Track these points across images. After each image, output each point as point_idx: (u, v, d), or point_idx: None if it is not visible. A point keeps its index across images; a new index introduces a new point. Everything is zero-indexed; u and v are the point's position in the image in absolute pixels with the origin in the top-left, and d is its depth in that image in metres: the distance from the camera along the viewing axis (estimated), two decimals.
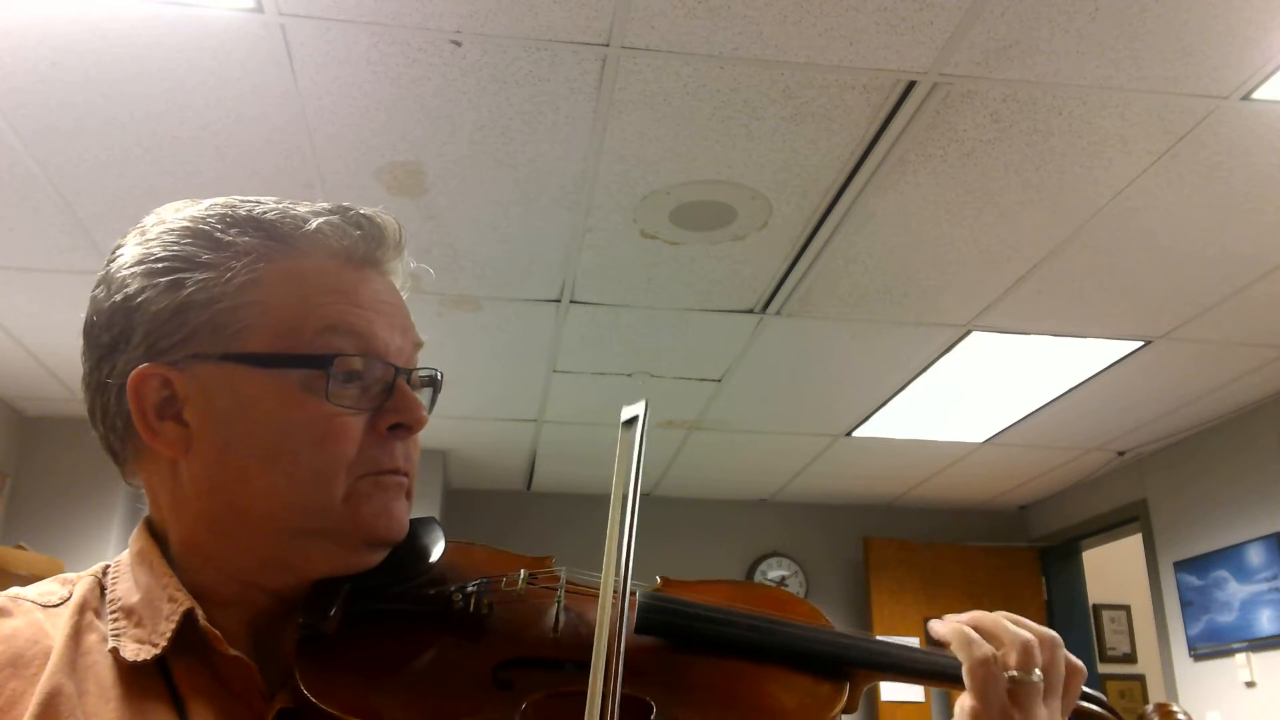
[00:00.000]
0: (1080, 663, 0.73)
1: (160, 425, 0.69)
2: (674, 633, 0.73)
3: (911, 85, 2.24)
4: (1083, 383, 3.99)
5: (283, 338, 0.69)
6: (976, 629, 0.71)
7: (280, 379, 0.69)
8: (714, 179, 2.61)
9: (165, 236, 0.71)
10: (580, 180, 2.62)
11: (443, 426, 4.59)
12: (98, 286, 0.73)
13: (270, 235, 0.71)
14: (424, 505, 5.09)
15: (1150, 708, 0.78)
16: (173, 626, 0.66)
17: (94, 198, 2.69)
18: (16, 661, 0.63)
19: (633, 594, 0.74)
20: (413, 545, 0.74)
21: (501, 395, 4.23)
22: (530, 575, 0.74)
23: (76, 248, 2.94)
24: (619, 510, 0.65)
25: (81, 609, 0.68)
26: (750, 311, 3.41)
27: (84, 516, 4.34)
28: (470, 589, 0.71)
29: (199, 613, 0.66)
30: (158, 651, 0.65)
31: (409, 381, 0.74)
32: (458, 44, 2.12)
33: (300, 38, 2.10)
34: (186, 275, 0.69)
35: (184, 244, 0.70)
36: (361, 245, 0.74)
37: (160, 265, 0.70)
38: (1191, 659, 4.57)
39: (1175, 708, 0.78)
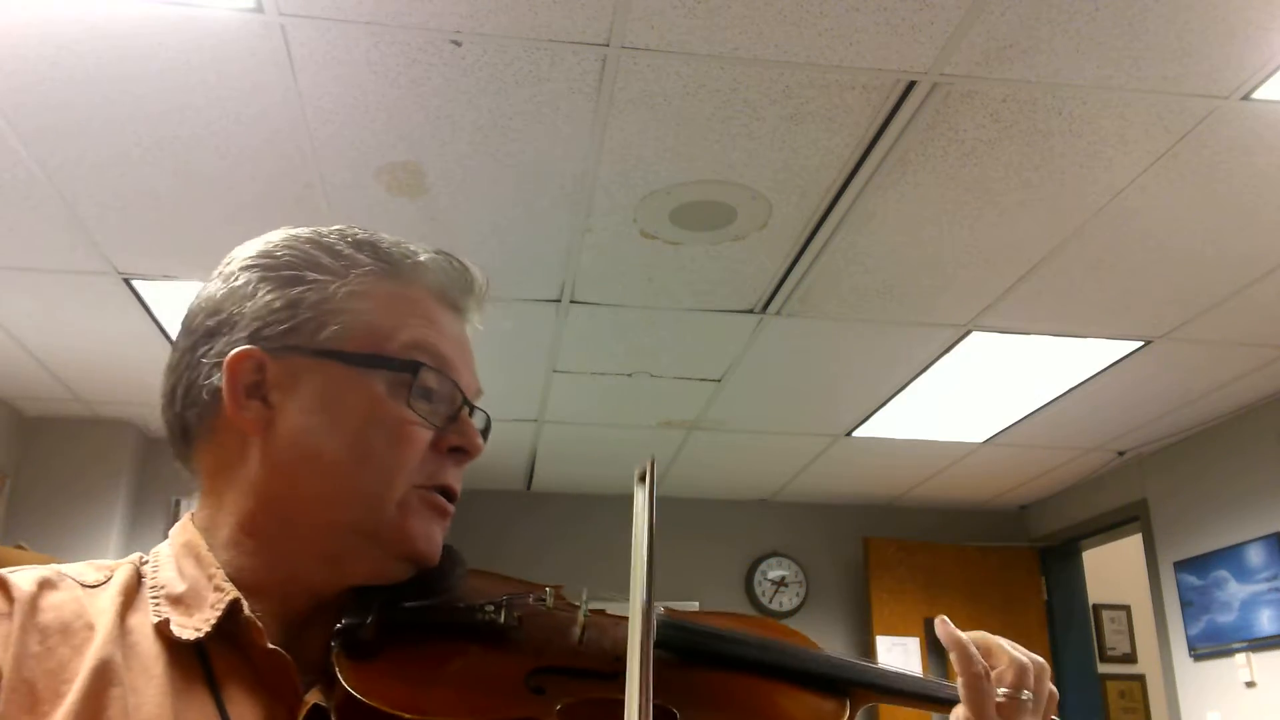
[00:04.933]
0: (1055, 690, 0.80)
1: (247, 402, 0.74)
2: (691, 650, 0.79)
3: (911, 85, 2.24)
4: (1083, 383, 3.99)
5: (375, 343, 0.75)
6: (977, 645, 0.79)
7: (367, 378, 0.75)
8: (714, 179, 2.61)
9: (292, 242, 0.79)
10: (580, 180, 2.62)
11: None
12: (209, 285, 0.79)
13: (381, 258, 0.79)
14: None
15: None
16: (218, 614, 0.69)
17: (94, 198, 2.69)
18: (65, 630, 0.66)
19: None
20: (440, 565, 0.79)
21: (501, 395, 4.23)
22: (555, 595, 0.81)
23: (76, 248, 2.94)
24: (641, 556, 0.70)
25: (124, 591, 0.71)
26: (750, 311, 3.41)
27: (84, 516, 4.34)
28: (500, 601, 0.77)
29: (244, 604, 0.69)
30: (200, 635, 0.68)
31: (471, 414, 0.80)
32: (458, 44, 2.12)
33: (300, 38, 2.11)
34: (307, 274, 0.76)
35: (307, 249, 0.78)
36: (455, 287, 0.82)
37: (284, 260, 0.77)
38: (1191, 659, 4.57)
39: None
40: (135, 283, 3.15)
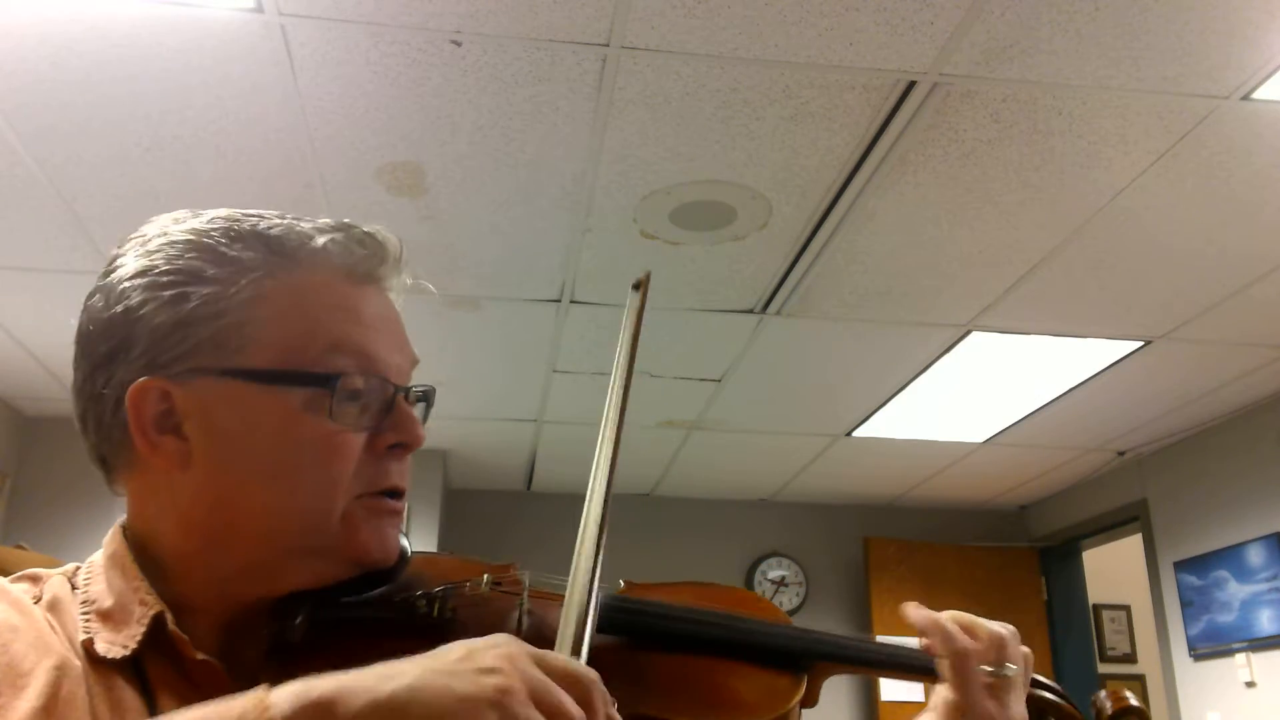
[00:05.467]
0: (1028, 650, 0.77)
1: (159, 439, 0.69)
2: (634, 631, 0.75)
3: (911, 85, 2.24)
4: (1083, 383, 3.99)
5: (286, 355, 0.69)
6: (957, 624, 0.76)
7: (283, 396, 0.69)
8: (714, 179, 2.61)
9: (169, 249, 0.71)
10: (580, 180, 2.62)
11: (443, 426, 4.59)
12: (94, 295, 0.72)
13: (274, 250, 0.72)
14: (424, 506, 5.10)
15: (1103, 693, 0.82)
16: (143, 629, 0.66)
17: (94, 198, 2.69)
18: (16, 628, 0.64)
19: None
20: None
21: (501, 395, 4.23)
22: (493, 580, 0.76)
23: (76, 248, 2.94)
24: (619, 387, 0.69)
25: (53, 606, 0.69)
26: (750, 311, 3.41)
27: (84, 516, 4.33)
28: (434, 593, 0.73)
29: (168, 617, 0.67)
30: (127, 653, 0.66)
31: (406, 398, 0.75)
32: (458, 44, 2.12)
33: (300, 38, 2.10)
34: (191, 289, 0.69)
35: (188, 258, 0.70)
36: (364, 263, 0.74)
37: (165, 279, 0.70)
38: (1191, 659, 4.57)
39: (1126, 693, 0.82)
40: None
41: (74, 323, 0.74)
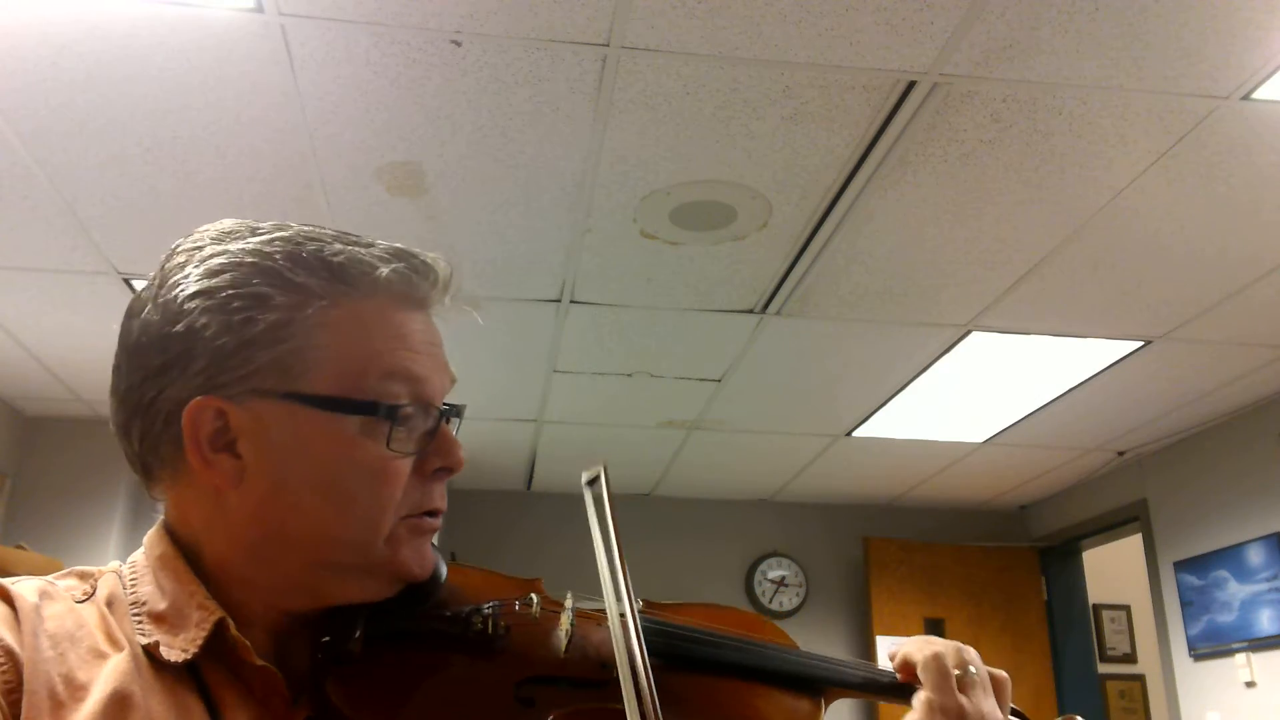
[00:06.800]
0: (1003, 673, 0.84)
1: (214, 456, 0.70)
2: (669, 654, 0.78)
3: (911, 85, 2.24)
4: (1083, 383, 3.99)
5: (345, 381, 0.71)
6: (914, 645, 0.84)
7: (340, 422, 0.70)
8: (714, 179, 2.61)
9: (235, 272, 0.71)
10: (580, 180, 2.62)
11: None
12: (148, 309, 0.72)
13: (338, 278, 0.73)
14: None
15: None
16: (204, 634, 0.68)
17: (94, 198, 2.69)
18: (71, 638, 0.66)
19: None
20: None
21: (501, 395, 4.23)
22: (541, 600, 0.79)
23: (76, 248, 2.94)
24: (608, 565, 0.72)
25: (110, 604, 0.70)
26: (750, 311, 3.41)
27: (84, 516, 4.34)
28: (486, 610, 0.75)
29: (230, 623, 0.68)
30: (187, 657, 0.67)
31: (447, 420, 0.77)
32: (458, 44, 2.12)
33: (300, 38, 2.11)
34: (258, 315, 0.70)
35: (254, 283, 0.71)
36: (419, 290, 0.76)
37: (232, 303, 0.70)
38: (1191, 659, 4.57)
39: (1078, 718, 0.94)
40: (135, 283, 3.15)
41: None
